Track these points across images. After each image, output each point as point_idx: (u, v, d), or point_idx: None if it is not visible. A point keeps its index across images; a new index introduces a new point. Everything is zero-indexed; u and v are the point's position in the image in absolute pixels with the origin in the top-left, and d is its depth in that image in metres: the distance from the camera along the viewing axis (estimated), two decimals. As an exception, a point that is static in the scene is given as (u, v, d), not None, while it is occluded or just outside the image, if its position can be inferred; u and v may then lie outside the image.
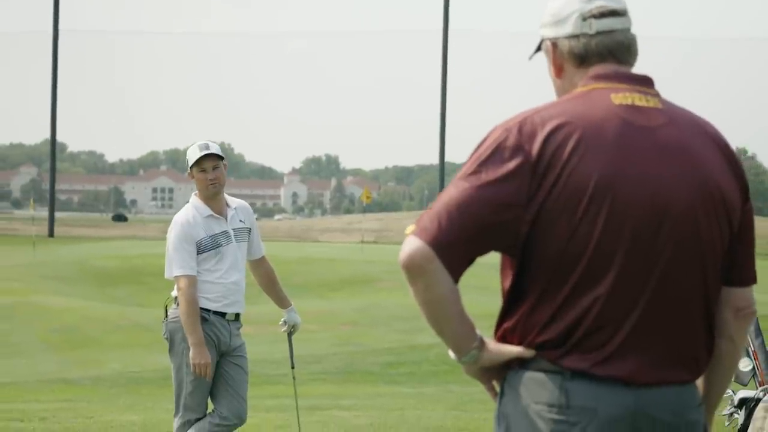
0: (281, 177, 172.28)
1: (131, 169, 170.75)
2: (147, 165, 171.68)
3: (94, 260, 25.78)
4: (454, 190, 2.32)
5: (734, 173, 2.42)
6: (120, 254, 26.91)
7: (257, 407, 9.59)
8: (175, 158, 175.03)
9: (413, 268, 2.28)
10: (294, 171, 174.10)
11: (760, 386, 5.22)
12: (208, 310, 5.88)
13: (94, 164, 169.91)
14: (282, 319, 6.34)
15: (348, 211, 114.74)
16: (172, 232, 5.91)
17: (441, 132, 34.57)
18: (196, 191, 6.03)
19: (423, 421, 8.85)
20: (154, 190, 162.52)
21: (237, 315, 6.01)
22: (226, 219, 5.99)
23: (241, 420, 6.01)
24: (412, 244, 2.29)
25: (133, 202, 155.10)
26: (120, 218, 62.57)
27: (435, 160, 36.19)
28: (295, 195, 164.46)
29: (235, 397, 5.97)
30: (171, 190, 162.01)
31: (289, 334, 6.40)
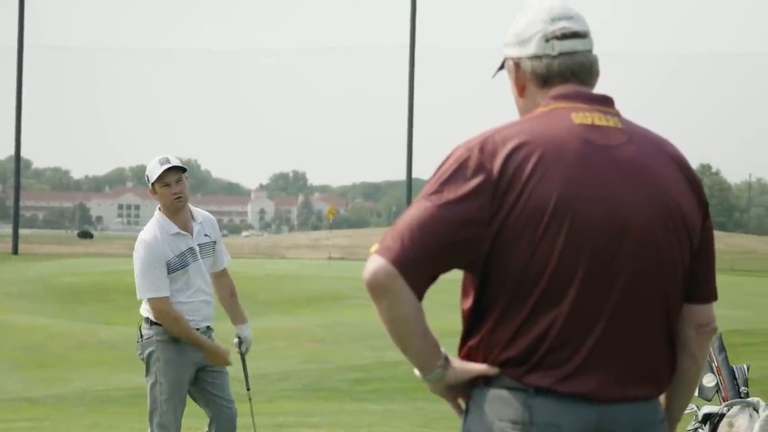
0: (248, 193, 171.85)
1: (97, 185, 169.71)
2: (113, 182, 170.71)
3: (59, 277, 25.57)
4: (417, 209, 2.34)
5: (694, 191, 2.45)
6: (85, 271, 26.72)
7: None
8: (141, 175, 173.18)
9: (377, 287, 2.30)
10: (261, 187, 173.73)
11: (723, 401, 5.26)
12: None
13: (59, 180, 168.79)
14: (236, 337, 6.24)
15: (315, 228, 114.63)
16: (140, 253, 5.82)
17: (408, 148, 34.67)
18: (160, 206, 5.94)
19: (390, 439, 8.83)
20: (120, 207, 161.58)
21: (208, 327, 6.00)
22: (191, 234, 5.93)
23: (234, 423, 6.00)
24: (375, 262, 2.31)
25: (99, 218, 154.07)
26: (86, 235, 62.09)
27: (402, 176, 36.29)
28: (262, 211, 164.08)
29: (223, 404, 5.97)
30: (137, 207, 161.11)
31: (242, 354, 6.29)
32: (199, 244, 5.94)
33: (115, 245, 46.71)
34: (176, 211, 5.87)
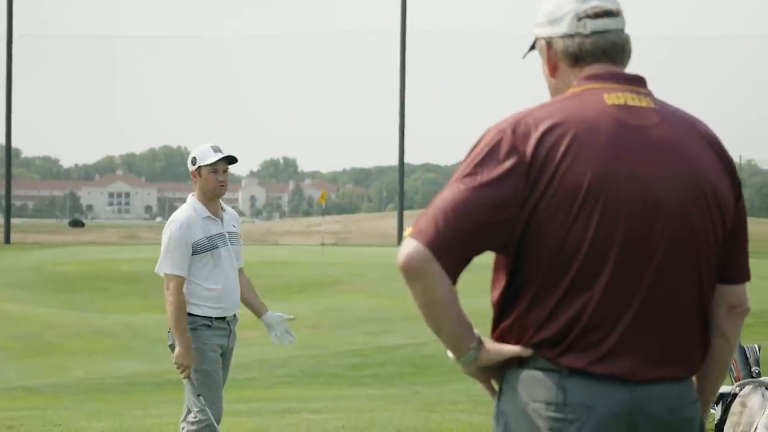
0: (239, 180, 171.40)
1: (87, 174, 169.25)
2: (103, 170, 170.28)
3: (52, 266, 25.52)
4: (450, 191, 2.34)
5: (726, 171, 2.45)
6: (78, 260, 26.66)
7: (227, 412, 9.51)
8: (131, 163, 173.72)
9: (411, 271, 2.30)
10: (252, 174, 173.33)
11: (736, 382, 5.27)
12: (210, 318, 5.92)
13: (49, 169, 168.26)
14: (273, 333, 6.13)
15: (306, 214, 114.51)
16: (169, 231, 5.96)
17: (400, 134, 34.60)
18: (194, 192, 6.08)
19: (394, 423, 8.85)
20: (111, 195, 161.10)
21: (234, 315, 6.07)
22: (222, 221, 6.06)
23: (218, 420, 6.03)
24: (409, 246, 2.30)
25: (90, 207, 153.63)
26: (77, 224, 61.85)
27: (393, 161, 36.24)
28: (253, 198, 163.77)
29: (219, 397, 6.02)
30: (128, 195, 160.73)
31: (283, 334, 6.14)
32: (228, 232, 6.07)
33: (107, 233, 46.60)
34: (214, 197, 6.03)
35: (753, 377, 5.24)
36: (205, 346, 5.90)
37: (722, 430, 5.03)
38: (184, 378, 5.91)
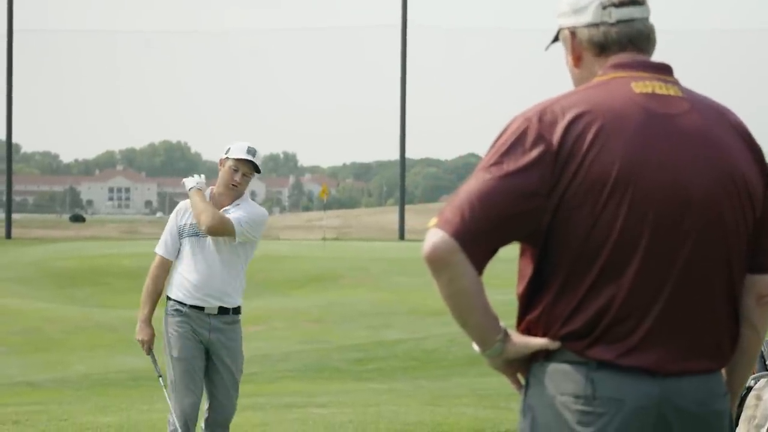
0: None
1: (87, 169, 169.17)
2: (103, 165, 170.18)
3: (53, 261, 25.53)
4: (476, 181, 2.30)
5: (756, 159, 2.42)
6: (80, 255, 26.68)
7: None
8: (131, 157, 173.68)
9: (437, 261, 2.26)
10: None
11: (751, 374, 5.25)
12: (183, 304, 5.88)
13: (48, 165, 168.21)
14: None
15: (306, 209, 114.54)
16: (171, 213, 6.18)
17: (401, 128, 34.59)
18: (213, 186, 6.15)
19: (401, 417, 8.83)
20: (111, 190, 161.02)
21: (220, 309, 5.91)
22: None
23: (225, 420, 5.96)
24: (435, 236, 2.27)
25: (90, 202, 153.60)
26: (78, 219, 61.86)
27: (393, 155, 36.27)
28: (253, 193, 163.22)
29: (219, 401, 5.96)
30: (128, 190, 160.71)
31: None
32: None
33: (107, 228, 46.62)
34: (226, 192, 6.05)
35: (767, 370, 5.21)
36: (174, 331, 5.86)
37: (737, 423, 5.00)
38: (146, 354, 5.99)
